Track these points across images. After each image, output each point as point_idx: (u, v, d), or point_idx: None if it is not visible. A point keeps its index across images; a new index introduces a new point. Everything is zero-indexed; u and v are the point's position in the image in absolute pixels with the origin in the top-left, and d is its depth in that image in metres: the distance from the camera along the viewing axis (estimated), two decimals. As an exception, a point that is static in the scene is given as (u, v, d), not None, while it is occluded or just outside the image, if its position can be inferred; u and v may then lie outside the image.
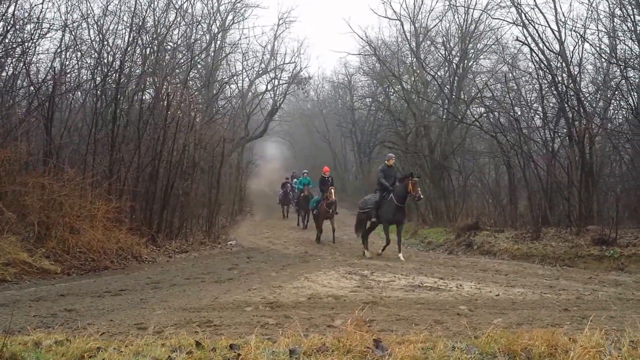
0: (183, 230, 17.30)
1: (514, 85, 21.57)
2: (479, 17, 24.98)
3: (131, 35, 16.90)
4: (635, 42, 16.77)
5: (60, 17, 16.14)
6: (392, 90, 30.09)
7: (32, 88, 14.58)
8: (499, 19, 22.79)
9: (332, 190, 18.12)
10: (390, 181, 14.99)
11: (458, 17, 26.15)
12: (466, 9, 24.99)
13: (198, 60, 26.17)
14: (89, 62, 16.78)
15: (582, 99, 17.54)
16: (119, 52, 16.79)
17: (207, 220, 18.84)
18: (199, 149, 18.67)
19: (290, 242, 18.46)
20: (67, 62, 16.10)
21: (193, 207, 18.43)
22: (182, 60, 22.06)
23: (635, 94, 17.52)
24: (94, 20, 16.79)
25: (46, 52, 16.32)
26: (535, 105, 21.26)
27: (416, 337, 4.00)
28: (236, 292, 8.64)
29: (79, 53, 16.35)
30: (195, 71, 27.17)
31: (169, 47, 21.36)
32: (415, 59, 27.60)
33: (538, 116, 20.83)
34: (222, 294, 8.39)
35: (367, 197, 16.35)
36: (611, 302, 7.96)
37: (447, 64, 26.86)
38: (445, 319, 6.59)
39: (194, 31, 26.40)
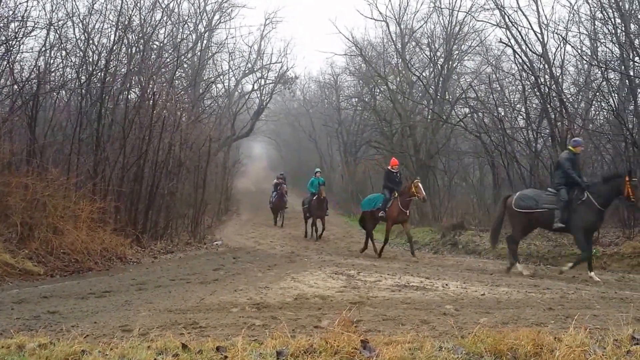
0: (168, 231, 17.19)
1: (498, 86, 21.75)
2: (464, 19, 25.25)
3: (117, 34, 16.79)
4: (616, 45, 16.95)
5: (45, 15, 15.89)
6: (378, 91, 30.20)
7: (15, 87, 14.38)
8: (482, 21, 23.02)
9: (420, 185, 15.40)
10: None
11: (443, 19, 26.39)
12: (451, 10, 25.19)
13: (184, 60, 26.10)
14: (74, 60, 16.63)
15: (564, 100, 17.69)
16: (104, 51, 16.67)
17: (192, 221, 18.74)
18: (185, 149, 18.58)
19: (276, 242, 18.45)
20: (52, 61, 15.94)
21: (178, 207, 18.32)
22: (168, 60, 21.93)
23: (615, 95, 17.69)
24: (80, 18, 16.67)
25: (30, 50, 16.12)
26: (518, 106, 21.52)
27: (403, 337, 3.98)
28: (222, 293, 8.57)
29: (64, 52, 16.19)
30: (182, 70, 27.08)
31: (155, 46, 21.24)
32: (400, 60, 27.73)
33: (521, 117, 21.05)
34: (208, 295, 8.33)
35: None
36: (594, 301, 8.03)
37: (432, 64, 27.03)
38: (432, 319, 6.59)
39: (180, 30, 26.33)
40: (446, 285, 9.51)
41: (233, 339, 4.56)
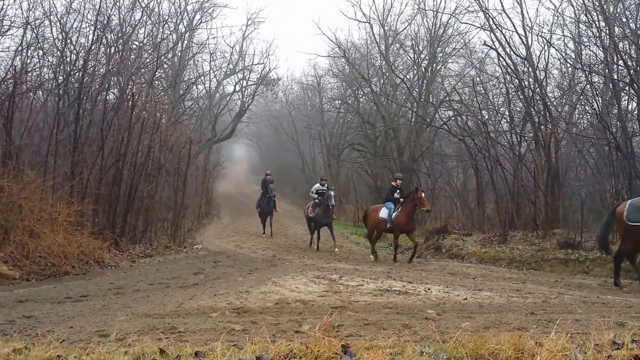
0: (147, 234, 17.09)
1: (482, 89, 21.87)
2: (448, 21, 25.32)
3: (95, 33, 16.71)
4: (600, 48, 17.10)
5: (22, 14, 15.83)
6: (362, 93, 30.31)
7: (-9, 87, 14.29)
8: (467, 23, 23.20)
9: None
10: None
11: (427, 21, 26.48)
12: (435, 12, 25.27)
13: (164, 60, 25.94)
14: (51, 60, 16.54)
15: (548, 103, 17.84)
16: (82, 51, 16.61)
17: (172, 224, 18.66)
18: (165, 151, 18.49)
19: (257, 246, 18.40)
20: (29, 61, 15.86)
21: (158, 211, 18.24)
22: (147, 60, 21.82)
23: (599, 98, 17.87)
24: (57, 17, 16.57)
25: (7, 50, 16.00)
26: (502, 109, 21.62)
27: (384, 342, 4.00)
28: (202, 297, 8.55)
29: (41, 51, 16.11)
30: (162, 71, 26.89)
31: (134, 46, 21.13)
32: (384, 62, 27.79)
33: (505, 120, 21.16)
34: (187, 300, 8.30)
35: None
36: (576, 306, 8.09)
37: (416, 67, 27.09)
38: (414, 323, 6.61)
39: (161, 30, 26.23)
40: (429, 289, 9.55)
41: (212, 344, 4.56)
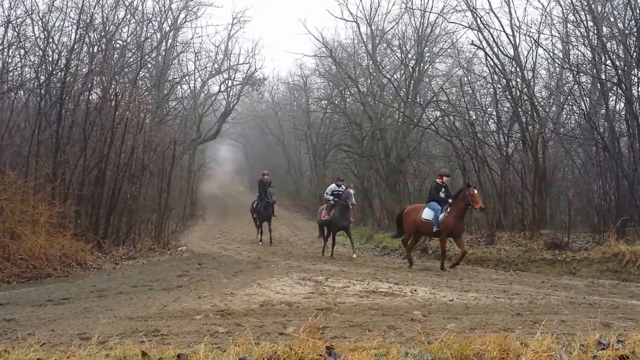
0: (131, 236, 17.05)
1: (469, 89, 21.92)
2: (435, 20, 25.27)
3: (78, 32, 16.65)
4: (588, 48, 17.21)
5: (3, 12, 15.74)
6: (348, 93, 30.25)
7: (-29, 87, 14.20)
8: (454, 22, 23.23)
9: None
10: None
11: (414, 20, 26.42)
12: (422, 12, 25.25)
13: (148, 60, 25.84)
14: (33, 59, 16.50)
15: (536, 103, 17.92)
16: (65, 50, 16.55)
17: (156, 226, 18.61)
18: (149, 152, 18.42)
19: (243, 248, 18.39)
20: (10, 60, 15.81)
21: (142, 212, 18.19)
22: (131, 59, 21.74)
23: (587, 99, 17.98)
24: (39, 16, 16.52)
25: (-13, 49, 15.90)
26: (490, 109, 21.67)
27: (369, 343, 4.01)
28: (185, 299, 8.51)
29: (23, 50, 16.05)
30: (145, 71, 26.81)
31: (117, 45, 21.05)
32: (371, 62, 27.79)
33: (492, 120, 21.23)
34: (171, 302, 8.27)
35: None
36: (563, 307, 8.13)
37: (403, 67, 27.09)
38: (399, 325, 6.61)
39: (145, 29, 26.10)
40: (415, 291, 9.56)
41: (195, 346, 4.54)
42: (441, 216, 13.72)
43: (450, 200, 13.79)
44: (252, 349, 3.89)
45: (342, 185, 17.51)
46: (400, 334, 6.07)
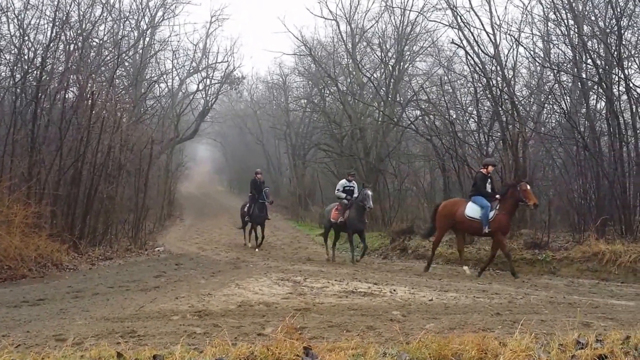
0: (107, 237, 16.91)
1: (450, 88, 22.02)
2: (415, 18, 25.35)
3: (54, 30, 16.47)
4: (569, 47, 17.34)
5: (-23, 10, 15.57)
6: (328, 92, 30.28)
7: (-56, 85, 14.03)
8: (434, 21, 23.23)
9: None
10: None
11: (394, 19, 26.48)
12: (402, 10, 25.32)
13: (125, 58, 25.65)
14: (8, 58, 16.32)
15: (516, 102, 18.02)
16: (40, 48, 16.37)
17: (133, 226, 18.47)
18: (126, 151, 18.29)
19: (221, 248, 18.34)
20: (-16, 58, 15.59)
21: (118, 212, 18.04)
22: (108, 58, 21.57)
23: (567, 98, 18.13)
24: (14, 14, 16.36)
25: (-39, 47, 15.74)
26: (470, 108, 21.76)
27: (347, 344, 4.03)
28: (162, 300, 8.49)
29: (-2, 48, 15.85)
30: (123, 69, 26.63)
31: (94, 43, 20.87)
32: (351, 60, 27.83)
33: (473, 120, 21.32)
34: (148, 303, 8.24)
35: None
36: (542, 306, 8.22)
37: (383, 65, 27.15)
38: (378, 325, 6.64)
39: (122, 27, 25.90)
40: (394, 290, 9.61)
41: (172, 347, 4.53)
42: (492, 214, 12.49)
43: (498, 196, 12.64)
44: (228, 349, 3.89)
45: (353, 181, 16.36)
46: (379, 334, 6.09)
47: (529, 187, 12.47)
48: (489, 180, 12.91)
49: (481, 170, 13.16)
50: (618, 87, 15.79)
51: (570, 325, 5.24)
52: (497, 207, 12.49)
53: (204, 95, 35.80)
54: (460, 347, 3.80)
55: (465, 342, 3.84)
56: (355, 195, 15.85)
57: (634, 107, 15.32)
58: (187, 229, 25.54)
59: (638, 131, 15.28)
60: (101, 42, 21.57)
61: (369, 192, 15.39)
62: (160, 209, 26.04)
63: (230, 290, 9.46)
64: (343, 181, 16.44)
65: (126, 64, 26.98)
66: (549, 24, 18.47)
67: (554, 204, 17.08)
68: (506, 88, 18.04)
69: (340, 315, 7.43)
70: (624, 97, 15.72)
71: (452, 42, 20.09)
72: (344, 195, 16.00)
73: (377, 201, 22.93)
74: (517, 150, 16.90)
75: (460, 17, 18.88)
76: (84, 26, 19.06)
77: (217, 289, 9.57)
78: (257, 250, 17.94)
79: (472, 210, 12.75)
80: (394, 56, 26.49)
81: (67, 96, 17.31)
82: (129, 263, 14.64)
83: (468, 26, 18.83)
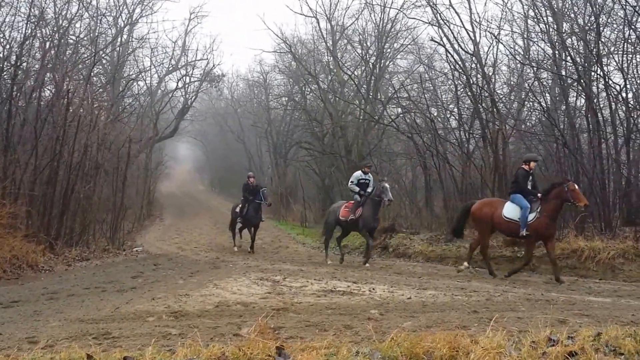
0: (85, 237, 16.78)
1: (430, 85, 22.10)
2: (395, 16, 25.43)
3: (29, 27, 16.36)
4: (548, 44, 17.48)
5: (-49, 7, 15.43)
6: (309, 90, 30.24)
7: None
8: (414, 18, 23.36)
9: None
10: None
11: (374, 16, 26.54)
12: (382, 7, 25.36)
13: (103, 55, 25.51)
14: (-19, 55, 16.11)
15: (496, 100, 18.13)
16: (15, 46, 16.22)
17: (111, 226, 18.35)
18: (103, 150, 18.17)
19: (201, 248, 18.29)
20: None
21: (96, 212, 17.90)
22: (85, 55, 21.43)
23: (547, 95, 18.28)
24: (-12, 11, 16.16)
25: None
26: (451, 106, 21.86)
27: (320, 343, 4.04)
28: (139, 301, 8.48)
29: (-30, 46, 15.70)
30: (100, 67, 26.49)
31: (71, 40, 20.74)
32: (331, 58, 27.84)
33: (454, 117, 21.42)
34: (124, 304, 8.23)
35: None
36: (520, 303, 8.31)
37: (363, 63, 27.19)
38: (356, 324, 6.67)
39: (99, 24, 25.76)
40: (373, 289, 9.65)
41: (144, 348, 4.52)
42: (531, 216, 11.55)
43: (539, 195, 11.72)
44: (200, 350, 3.89)
45: (369, 174, 15.30)
46: (355, 333, 6.12)
47: (577, 186, 11.58)
48: (531, 177, 12.04)
49: (522, 166, 12.14)
50: (597, 84, 15.95)
51: (547, 322, 5.29)
52: (539, 210, 11.52)
53: (183, 93, 35.72)
54: (432, 345, 3.83)
55: (437, 340, 3.87)
56: (370, 189, 14.87)
57: (612, 104, 15.47)
58: (166, 228, 25.42)
59: (617, 128, 15.46)
60: (78, 39, 21.43)
61: (387, 185, 14.55)
62: (140, 208, 25.92)
63: (208, 291, 9.46)
64: (358, 173, 15.27)
65: (104, 61, 26.87)
66: (529, 21, 18.64)
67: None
68: (486, 85, 18.15)
69: (318, 314, 7.47)
70: (604, 94, 15.89)
71: (432, 40, 20.22)
72: (357, 189, 14.94)
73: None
74: (496, 148, 17.01)
75: (439, 14, 19.02)
76: (60, 23, 18.95)
77: (195, 289, 9.57)
78: (250, 251, 17.31)
79: (510, 210, 11.87)
80: (375, 54, 26.55)
81: (43, 94, 17.20)
82: (106, 264, 14.58)
83: (447, 23, 18.97)
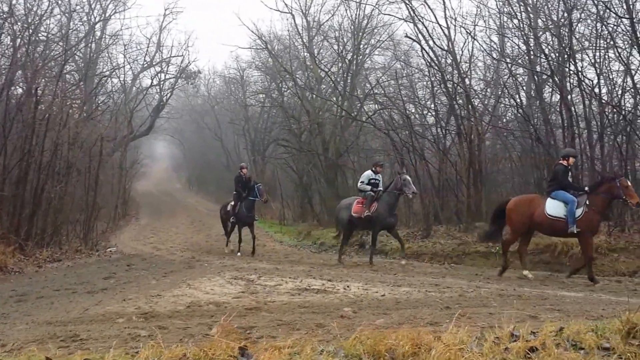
0: (56, 238, 16.64)
1: (407, 82, 22.19)
2: (371, 12, 25.48)
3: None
4: (522, 40, 17.63)
5: None
6: (286, 87, 30.21)
7: None
8: (389, 14, 23.41)
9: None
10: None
11: (350, 12, 26.60)
12: (358, 3, 25.42)
13: (75, 52, 25.28)
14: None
15: (471, 96, 18.25)
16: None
17: (84, 226, 18.21)
18: (75, 149, 18.02)
19: (176, 247, 18.19)
20: None
21: (68, 212, 17.76)
22: (56, 52, 21.23)
23: (524, 91, 18.43)
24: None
25: None
26: (428, 102, 21.96)
27: (284, 342, 4.04)
28: (109, 303, 8.41)
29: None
30: (73, 64, 26.25)
31: (42, 37, 20.55)
32: (308, 54, 27.82)
33: (431, 114, 21.52)
34: (93, 306, 8.17)
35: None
36: (492, 299, 8.37)
37: (340, 59, 27.21)
38: (328, 322, 6.65)
39: (71, 21, 25.53)
40: (347, 287, 9.67)
41: (109, 351, 4.50)
42: (579, 211, 10.77)
43: (587, 189, 11.04)
44: (162, 352, 3.88)
45: (380, 174, 14.61)
46: (327, 331, 6.12)
47: (629, 182, 11.00)
48: (570, 173, 11.48)
49: (561, 162, 11.47)
50: (570, 80, 16.10)
51: (517, 318, 5.35)
52: (587, 203, 10.74)
53: (158, 90, 35.52)
54: (395, 342, 3.85)
55: (400, 337, 3.89)
56: (380, 189, 14.19)
57: (586, 100, 15.63)
58: (142, 228, 25.29)
59: (591, 124, 15.62)
60: (49, 36, 21.25)
61: (408, 177, 13.81)
62: (114, 208, 25.75)
63: (180, 291, 9.40)
64: (368, 172, 14.58)
65: (77, 58, 26.62)
66: (503, 17, 18.75)
67: (511, 196, 17.35)
68: (461, 82, 18.25)
69: (291, 313, 7.46)
70: (577, 89, 16.05)
71: (406, 36, 20.26)
72: (368, 188, 14.19)
73: (336, 196, 23.12)
74: (471, 144, 17.11)
75: (413, 10, 19.04)
76: (30, 19, 18.77)
77: (167, 290, 9.51)
78: (253, 255, 16.00)
79: (554, 207, 11.03)
80: (351, 50, 26.58)
81: (14, 92, 17.03)
82: (78, 265, 14.48)
83: (421, 20, 19.00)
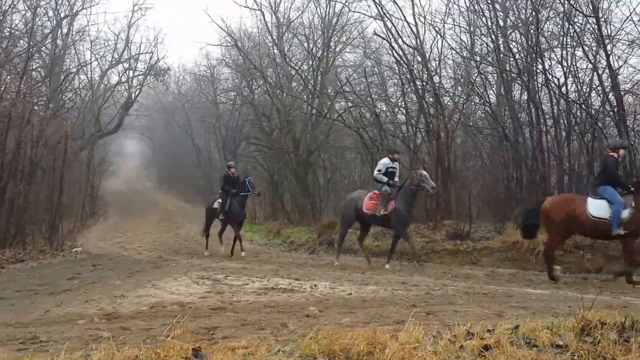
0: (20, 238, 16.45)
1: (378, 80, 22.27)
2: (341, 9, 25.54)
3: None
4: (490, 38, 17.77)
5: None
6: (256, 84, 30.14)
7: None
8: (358, 12, 23.42)
9: None
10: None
11: (320, 9, 26.60)
12: (328, 1, 25.47)
13: (41, 48, 24.96)
14: None
15: (440, 94, 18.38)
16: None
17: (49, 226, 18.00)
18: (40, 147, 17.80)
19: (144, 247, 18.09)
20: None
21: (33, 212, 17.55)
22: (21, 48, 20.93)
23: (494, 89, 18.59)
24: None
25: None
26: (399, 100, 22.05)
27: (238, 343, 4.07)
28: (71, 303, 8.35)
29: None
30: (39, 60, 25.90)
31: (5, 33, 20.26)
32: (278, 52, 27.79)
33: (401, 112, 21.62)
34: (55, 307, 8.09)
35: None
36: (458, 297, 8.47)
37: (311, 57, 27.24)
38: (293, 322, 6.70)
39: (36, 16, 25.18)
40: (315, 286, 9.70)
41: (65, 353, 4.48)
42: (626, 212, 10.06)
43: (631, 187, 10.32)
44: (114, 353, 3.88)
45: (396, 163, 13.81)
46: (292, 331, 6.15)
47: None
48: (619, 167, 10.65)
49: (611, 153, 10.62)
50: (537, 78, 16.28)
51: (483, 316, 5.42)
52: (633, 204, 10.07)
53: (127, 88, 35.20)
54: (350, 341, 3.89)
55: (356, 337, 3.93)
56: (397, 179, 13.51)
57: (553, 98, 15.82)
58: (110, 227, 25.11)
59: (558, 122, 15.82)
60: (12, 31, 20.96)
61: (425, 172, 13.19)
62: (82, 207, 25.51)
63: (145, 291, 9.35)
64: (386, 160, 13.66)
65: (43, 54, 26.27)
66: (472, 15, 18.89)
67: (481, 195, 17.52)
68: (429, 80, 18.35)
69: (257, 313, 7.46)
70: (545, 88, 16.24)
71: (375, 34, 20.32)
72: (385, 179, 13.29)
73: (306, 195, 23.18)
74: (439, 142, 17.22)
75: (382, 7, 19.11)
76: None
77: (132, 290, 9.44)
78: (242, 254, 15.62)
79: (598, 208, 10.28)
80: (322, 47, 26.60)
81: (-26, 90, 16.79)
82: (42, 265, 14.37)
83: (390, 17, 19.06)
